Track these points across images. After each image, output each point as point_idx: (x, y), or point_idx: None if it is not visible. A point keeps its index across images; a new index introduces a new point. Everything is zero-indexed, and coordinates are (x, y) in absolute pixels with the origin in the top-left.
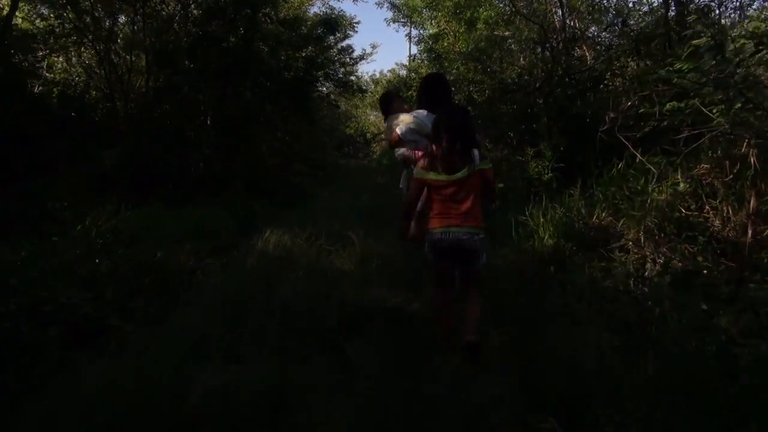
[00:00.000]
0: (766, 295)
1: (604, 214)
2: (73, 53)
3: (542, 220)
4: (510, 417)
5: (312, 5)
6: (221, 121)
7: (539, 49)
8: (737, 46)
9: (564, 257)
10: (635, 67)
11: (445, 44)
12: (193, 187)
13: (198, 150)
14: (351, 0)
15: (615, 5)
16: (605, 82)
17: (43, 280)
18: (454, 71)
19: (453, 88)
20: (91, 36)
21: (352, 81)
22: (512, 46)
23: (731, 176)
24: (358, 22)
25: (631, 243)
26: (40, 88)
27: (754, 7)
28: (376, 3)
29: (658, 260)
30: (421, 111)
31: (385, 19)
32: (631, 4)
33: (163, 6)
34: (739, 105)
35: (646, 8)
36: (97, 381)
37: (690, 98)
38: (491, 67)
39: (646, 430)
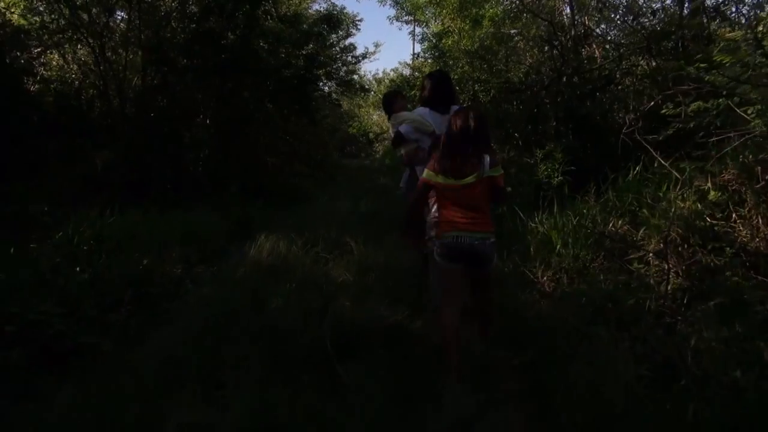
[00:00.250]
0: None
1: (620, 222)
2: (68, 50)
3: (554, 227)
4: None
5: (314, 2)
6: (219, 121)
7: (547, 48)
8: None
9: (580, 268)
10: (645, 66)
11: (450, 42)
12: (187, 189)
13: (194, 150)
14: None
15: (626, 2)
16: (616, 81)
17: (14, 293)
18: (458, 70)
19: (458, 88)
20: (85, 32)
21: (354, 80)
22: (519, 44)
23: (763, 183)
24: (360, 20)
25: (651, 254)
26: (36, 86)
27: None
28: (378, 0)
29: (683, 274)
30: (423, 109)
31: (388, 16)
32: (641, 1)
33: (161, 2)
34: None
35: (658, 5)
36: (59, 413)
37: (721, 97)
38: (497, 66)
39: None
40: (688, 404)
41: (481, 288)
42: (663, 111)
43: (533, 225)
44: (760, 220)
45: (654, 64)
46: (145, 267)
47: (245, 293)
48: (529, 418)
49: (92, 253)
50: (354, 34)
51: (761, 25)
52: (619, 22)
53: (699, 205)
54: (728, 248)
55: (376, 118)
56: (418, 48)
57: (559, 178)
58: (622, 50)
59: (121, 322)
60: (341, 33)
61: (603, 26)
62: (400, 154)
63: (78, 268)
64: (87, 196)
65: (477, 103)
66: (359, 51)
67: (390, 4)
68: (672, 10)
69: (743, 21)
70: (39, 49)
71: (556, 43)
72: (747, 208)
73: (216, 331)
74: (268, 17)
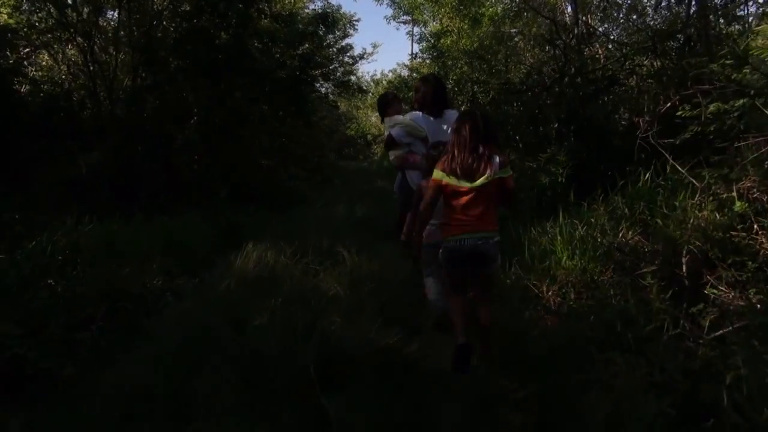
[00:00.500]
0: None
1: (631, 233)
2: (57, 50)
3: (559, 237)
4: None
5: (311, 1)
6: (211, 122)
7: (549, 47)
8: None
9: (588, 282)
10: (650, 67)
11: (448, 42)
12: (177, 194)
13: (185, 153)
14: None
15: (629, 1)
16: (621, 82)
17: None
18: (457, 70)
19: (456, 89)
20: (74, 31)
21: (351, 81)
22: (519, 43)
23: None
24: (358, 20)
25: (667, 268)
26: (26, 87)
27: None
28: None
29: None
30: (416, 113)
31: (385, 16)
32: (645, 0)
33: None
34: None
35: (663, 3)
36: None
37: (746, 97)
38: (497, 66)
39: None
40: None
41: (482, 287)
42: (679, 113)
43: (536, 234)
44: None
45: (659, 64)
46: (122, 279)
47: (226, 310)
48: None
49: (66, 264)
50: (351, 35)
51: None
52: (622, 21)
53: (717, 215)
54: (750, 262)
55: (375, 119)
56: (416, 48)
57: (563, 183)
58: (626, 50)
59: (91, 341)
60: (338, 33)
61: (606, 25)
62: (394, 157)
63: (51, 281)
64: (70, 202)
65: (476, 104)
66: (357, 52)
67: (387, 4)
68: (676, 9)
69: (750, 20)
70: (27, 50)
71: (559, 42)
72: None
73: (190, 354)
74: (262, 16)
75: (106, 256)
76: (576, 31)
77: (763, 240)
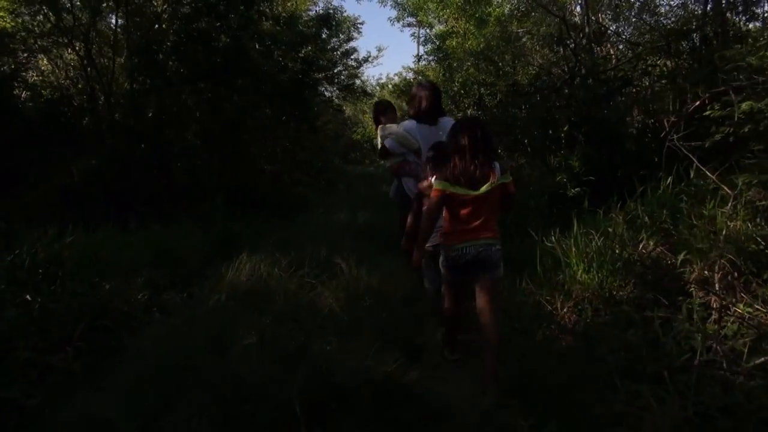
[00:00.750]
0: None
1: (652, 244)
2: (57, 54)
3: (574, 248)
4: None
5: (314, 4)
6: (210, 127)
7: (558, 47)
8: None
9: (606, 297)
10: (664, 67)
11: (454, 43)
12: (174, 201)
13: (183, 159)
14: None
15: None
16: (635, 83)
17: None
18: (462, 72)
19: (462, 92)
20: (71, 36)
21: (356, 84)
22: (527, 43)
23: None
24: (362, 23)
25: (694, 285)
26: (27, 92)
27: None
28: (378, 0)
29: (737, 310)
30: (410, 123)
31: (388, 18)
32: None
33: (149, 3)
34: None
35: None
36: None
37: None
38: (504, 68)
39: None
40: None
41: (486, 298)
42: (708, 112)
43: (549, 245)
44: None
45: (673, 64)
46: (105, 293)
47: (211, 329)
48: None
49: (47, 278)
50: (356, 38)
51: None
52: (634, 20)
53: (750, 225)
54: None
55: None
56: (422, 50)
57: (577, 189)
58: (639, 49)
59: (64, 365)
60: (342, 36)
61: (617, 24)
62: (388, 166)
63: (28, 297)
64: (62, 210)
65: (483, 107)
66: (362, 55)
67: (391, 5)
68: (692, 6)
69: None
70: (26, 54)
71: (569, 41)
72: None
73: (167, 381)
74: (263, 18)
75: (91, 269)
76: (587, 30)
77: None
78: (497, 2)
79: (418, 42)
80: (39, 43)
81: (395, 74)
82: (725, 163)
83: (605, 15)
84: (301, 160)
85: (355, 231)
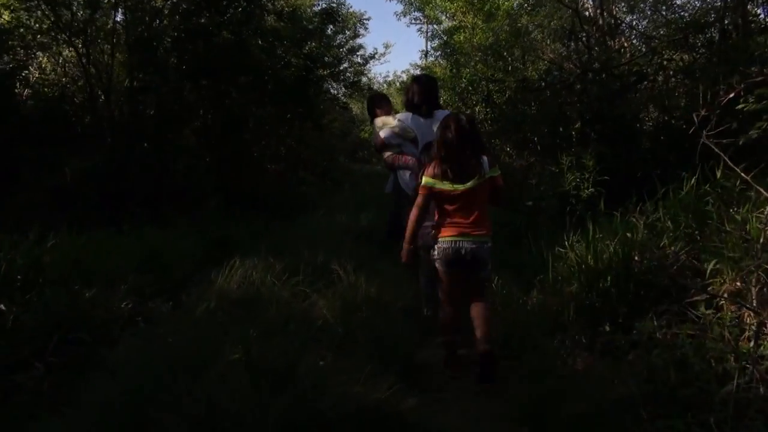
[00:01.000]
0: None
1: (675, 250)
2: (56, 51)
3: (590, 254)
4: None
5: (318, 1)
6: (211, 125)
7: (569, 41)
8: None
9: (627, 309)
10: (680, 61)
11: (462, 38)
12: (172, 202)
13: (182, 158)
14: None
15: None
16: (650, 78)
17: None
18: (470, 68)
19: (470, 88)
20: (68, 32)
21: (362, 82)
22: (537, 37)
23: None
24: (368, 19)
25: (725, 298)
26: (28, 90)
27: None
28: None
29: None
30: (405, 114)
31: (395, 12)
32: None
33: None
34: None
35: None
36: None
37: None
38: (513, 63)
39: None
40: None
41: (477, 294)
42: (741, 105)
43: (561, 250)
44: None
45: (690, 58)
46: (85, 302)
47: (193, 343)
48: None
49: (25, 286)
50: (362, 35)
51: None
52: (650, 12)
53: None
54: None
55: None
56: (429, 46)
57: (590, 189)
58: (654, 43)
59: (32, 384)
60: (348, 33)
61: (631, 17)
62: (384, 159)
63: (2, 306)
64: (53, 212)
65: (491, 104)
66: (368, 52)
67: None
68: None
69: None
70: (23, 52)
71: (582, 34)
72: None
73: (138, 405)
74: (265, 13)
75: (74, 276)
76: (600, 23)
77: None
78: None
79: (426, 38)
80: (38, 39)
81: (402, 71)
82: (760, 163)
83: (619, 7)
84: (306, 159)
85: (356, 233)
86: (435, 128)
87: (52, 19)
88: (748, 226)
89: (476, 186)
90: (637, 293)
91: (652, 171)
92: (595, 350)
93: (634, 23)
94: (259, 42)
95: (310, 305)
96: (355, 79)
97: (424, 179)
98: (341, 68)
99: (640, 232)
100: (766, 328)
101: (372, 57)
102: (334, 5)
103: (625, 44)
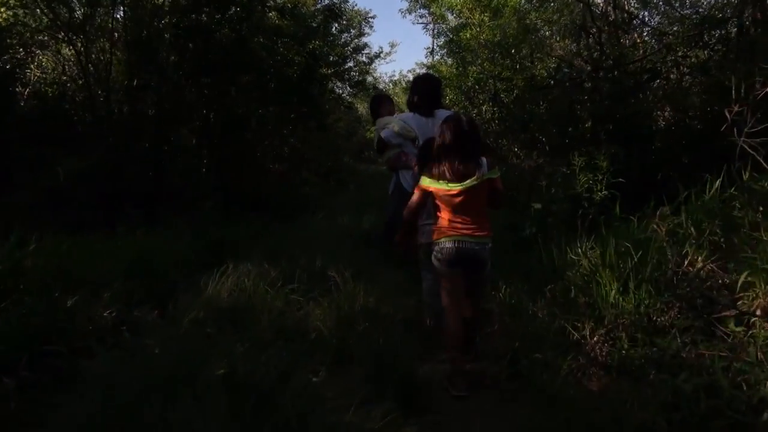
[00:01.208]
0: None
1: (700, 259)
2: (55, 49)
3: (605, 262)
4: None
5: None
6: (211, 125)
7: (578, 37)
8: None
9: (646, 324)
10: (695, 58)
11: (468, 36)
12: (170, 203)
13: (181, 159)
14: None
15: None
16: (664, 75)
17: None
18: (477, 66)
19: (477, 87)
20: (67, 29)
21: (367, 80)
22: (546, 33)
23: None
24: (373, 17)
25: (759, 314)
26: (28, 89)
27: None
28: None
29: None
30: (407, 114)
31: (399, 9)
32: None
33: None
34: None
35: None
36: None
37: None
38: (521, 61)
39: None
40: None
41: (474, 293)
42: None
43: (574, 257)
44: None
45: (705, 55)
46: (66, 311)
47: (175, 358)
48: None
49: (3, 293)
50: (368, 34)
51: None
52: (663, 7)
53: None
54: None
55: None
56: (435, 45)
57: (604, 192)
58: (668, 39)
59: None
60: (353, 32)
61: (645, 12)
62: (386, 159)
63: None
64: (46, 214)
65: (499, 103)
66: (374, 51)
67: None
68: None
69: None
70: (22, 51)
71: (593, 30)
72: None
73: (109, 429)
74: (266, 9)
75: (57, 282)
76: (612, 18)
77: None
78: None
79: (433, 36)
80: (36, 38)
81: (408, 71)
82: None
83: (631, 2)
84: (310, 159)
85: (357, 237)
86: (437, 128)
87: (51, 16)
88: None
89: (473, 187)
90: (656, 305)
91: (670, 172)
92: (611, 367)
93: (647, 19)
94: (261, 39)
95: (304, 316)
96: (361, 78)
97: (423, 179)
98: (346, 67)
99: (661, 239)
100: None
101: (377, 56)
102: (337, 2)
103: (638, 40)
